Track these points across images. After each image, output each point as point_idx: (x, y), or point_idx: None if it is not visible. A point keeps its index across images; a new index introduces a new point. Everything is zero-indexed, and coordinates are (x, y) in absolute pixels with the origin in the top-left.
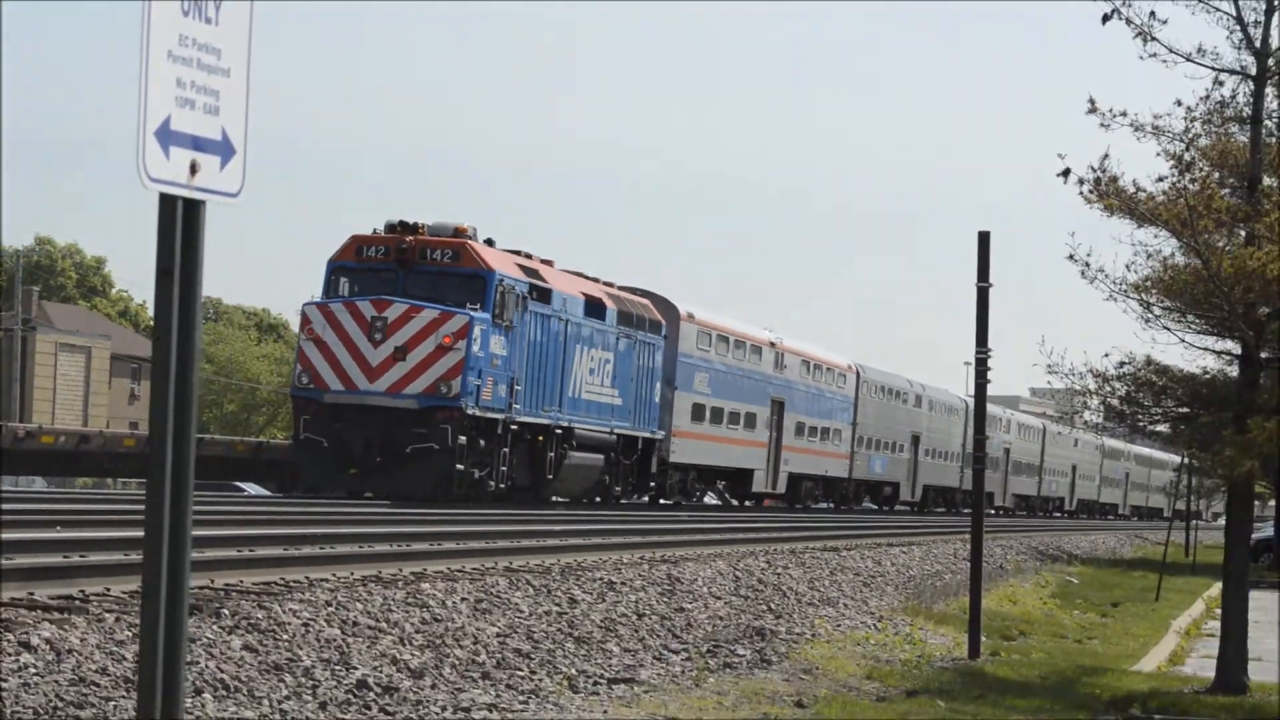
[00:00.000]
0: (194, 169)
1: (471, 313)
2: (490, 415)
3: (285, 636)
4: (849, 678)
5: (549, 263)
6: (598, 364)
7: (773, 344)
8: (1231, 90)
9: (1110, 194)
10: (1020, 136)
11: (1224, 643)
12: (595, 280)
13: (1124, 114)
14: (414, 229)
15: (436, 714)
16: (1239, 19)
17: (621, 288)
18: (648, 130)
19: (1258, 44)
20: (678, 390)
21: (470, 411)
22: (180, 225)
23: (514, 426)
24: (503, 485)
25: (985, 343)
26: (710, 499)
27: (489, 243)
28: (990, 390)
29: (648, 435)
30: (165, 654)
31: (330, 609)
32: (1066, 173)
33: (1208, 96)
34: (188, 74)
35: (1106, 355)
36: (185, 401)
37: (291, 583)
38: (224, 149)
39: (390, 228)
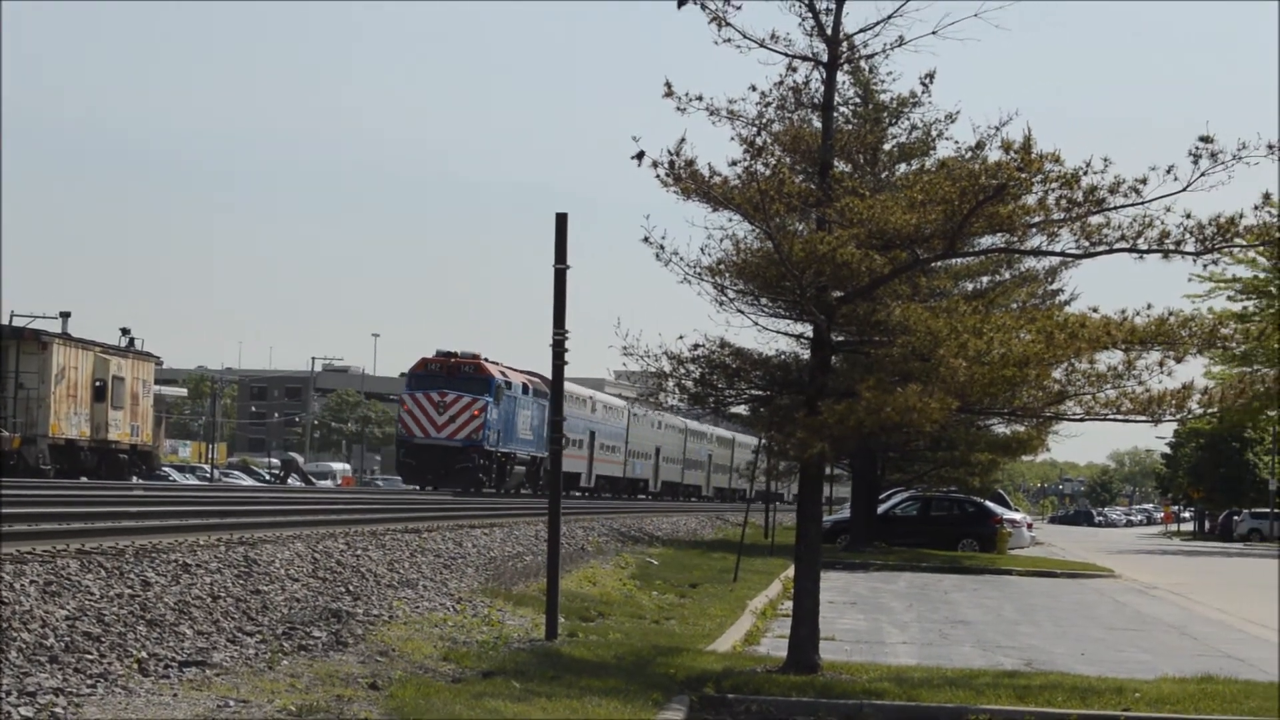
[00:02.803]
0: None
1: (485, 398)
2: (490, 449)
3: None
4: (425, 659)
5: (500, 363)
6: (525, 418)
7: (590, 397)
8: (805, 76)
9: (686, 177)
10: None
11: (796, 623)
12: (518, 370)
13: (699, 98)
14: (453, 354)
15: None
16: (811, 7)
17: (529, 372)
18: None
19: (829, 31)
20: None
21: (485, 448)
22: None
23: (498, 454)
24: (490, 486)
25: (563, 324)
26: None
27: (486, 359)
28: (574, 372)
29: (541, 455)
30: None
31: None
32: (640, 155)
33: (781, 82)
34: None
35: (681, 338)
36: None
37: None
38: None
39: (440, 354)
